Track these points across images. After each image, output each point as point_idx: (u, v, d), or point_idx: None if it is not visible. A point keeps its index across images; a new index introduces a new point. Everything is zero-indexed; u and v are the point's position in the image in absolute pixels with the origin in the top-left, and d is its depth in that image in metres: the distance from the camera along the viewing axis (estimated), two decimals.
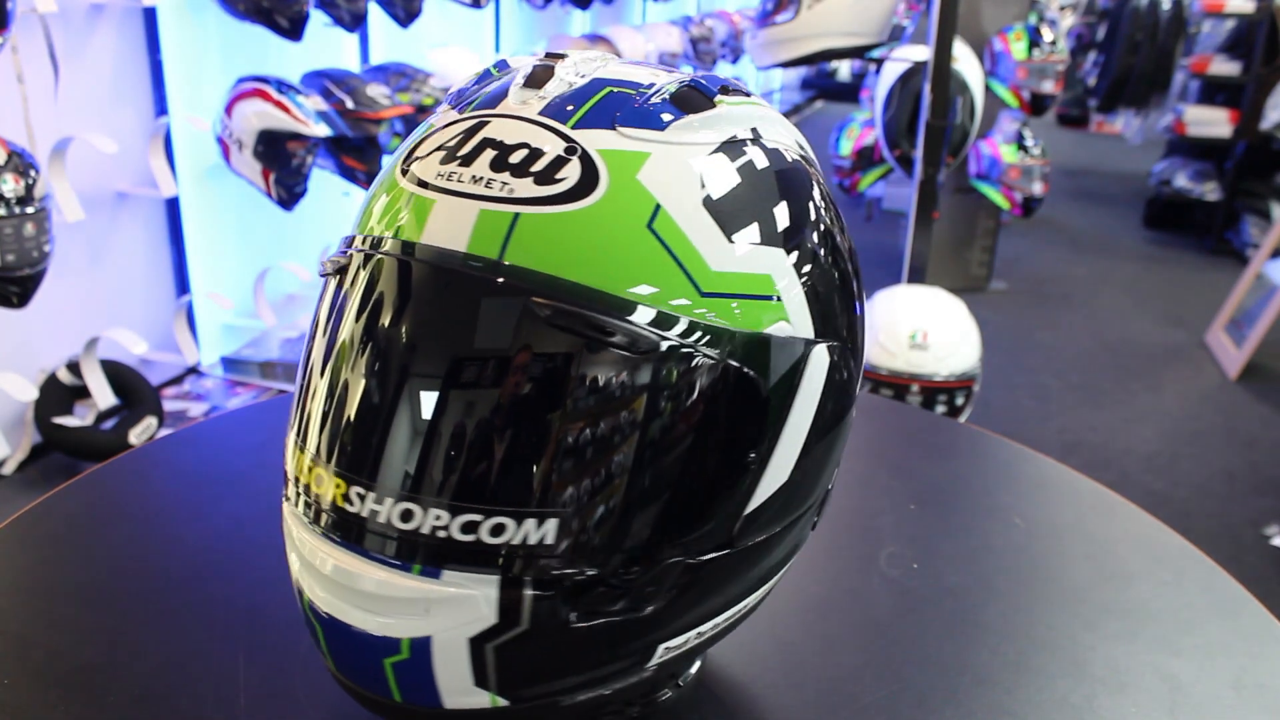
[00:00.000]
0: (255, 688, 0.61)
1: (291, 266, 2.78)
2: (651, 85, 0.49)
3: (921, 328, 2.10)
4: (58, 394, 2.23)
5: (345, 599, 0.45)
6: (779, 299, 0.47)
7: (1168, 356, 3.31)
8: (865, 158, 3.43)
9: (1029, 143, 3.25)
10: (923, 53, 2.41)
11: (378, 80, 2.59)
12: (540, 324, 0.42)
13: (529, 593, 0.43)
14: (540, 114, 0.47)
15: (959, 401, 2.12)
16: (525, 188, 0.44)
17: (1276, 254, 3.28)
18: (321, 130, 2.31)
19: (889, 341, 2.10)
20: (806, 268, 0.49)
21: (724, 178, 0.47)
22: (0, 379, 2.07)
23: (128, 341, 2.25)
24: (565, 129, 0.46)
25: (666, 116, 0.47)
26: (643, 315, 0.43)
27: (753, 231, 0.47)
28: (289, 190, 2.39)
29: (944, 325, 2.12)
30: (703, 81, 0.50)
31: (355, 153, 2.53)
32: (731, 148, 0.49)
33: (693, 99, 0.49)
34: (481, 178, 0.45)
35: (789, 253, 0.48)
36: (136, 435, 2.21)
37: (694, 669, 0.63)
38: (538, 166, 0.45)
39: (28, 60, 2.00)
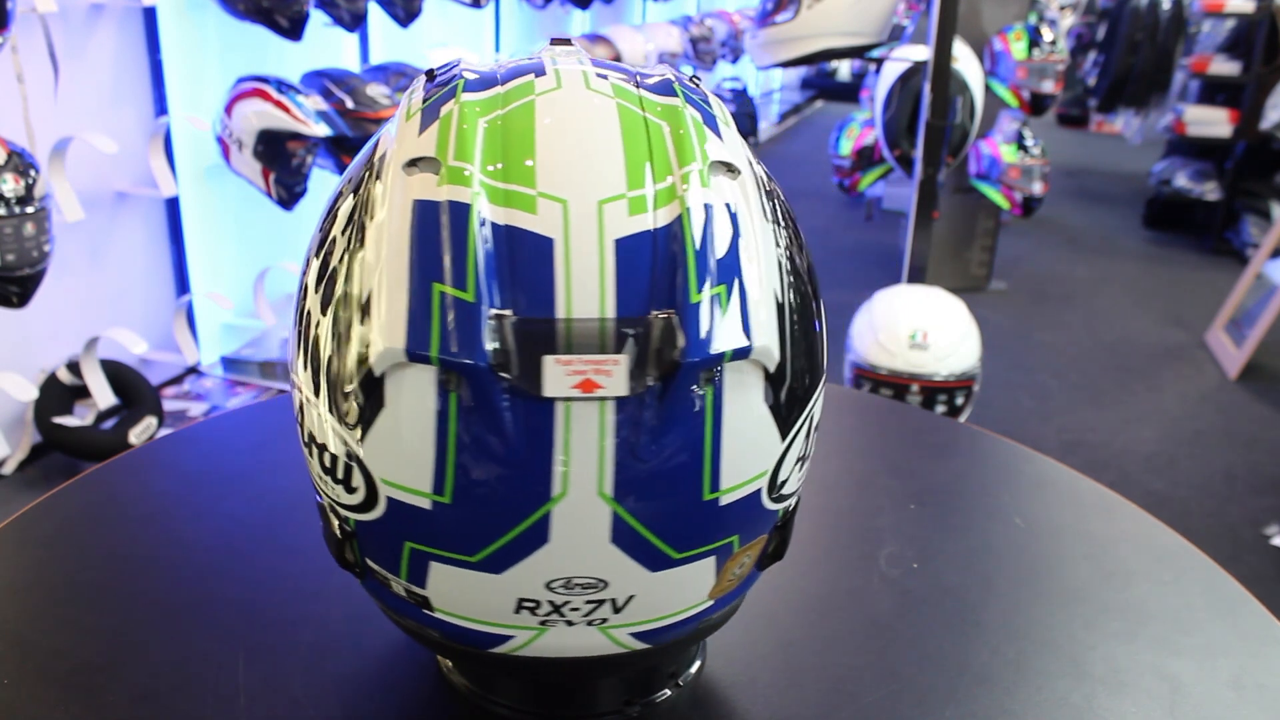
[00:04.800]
0: (255, 688, 0.61)
1: (291, 266, 2.78)
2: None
3: (921, 328, 2.10)
4: (58, 394, 2.23)
5: None
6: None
7: (1168, 356, 3.31)
8: (865, 157, 3.43)
9: (1029, 142, 3.25)
10: (923, 53, 2.41)
11: (378, 80, 2.59)
12: None
13: None
14: None
15: (959, 401, 2.12)
16: None
17: (1276, 254, 3.28)
18: (321, 130, 2.32)
19: (889, 341, 2.10)
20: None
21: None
22: (0, 379, 2.07)
23: (128, 341, 2.25)
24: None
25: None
26: None
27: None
28: (289, 190, 2.40)
29: (944, 325, 2.12)
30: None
31: (355, 153, 2.53)
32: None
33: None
34: None
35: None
36: (136, 435, 2.21)
37: (694, 669, 0.63)
38: None
39: (28, 60, 2.00)
